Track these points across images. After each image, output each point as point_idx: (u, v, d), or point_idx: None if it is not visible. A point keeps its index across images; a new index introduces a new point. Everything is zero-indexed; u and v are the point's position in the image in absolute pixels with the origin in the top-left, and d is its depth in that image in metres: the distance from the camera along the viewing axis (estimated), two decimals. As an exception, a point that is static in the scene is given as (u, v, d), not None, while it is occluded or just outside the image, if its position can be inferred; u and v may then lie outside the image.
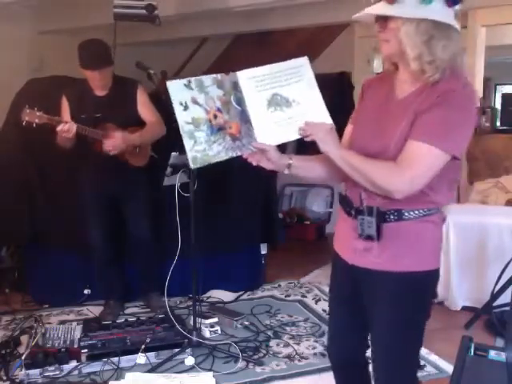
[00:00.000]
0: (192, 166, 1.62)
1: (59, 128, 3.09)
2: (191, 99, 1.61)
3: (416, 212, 1.59)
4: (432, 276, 1.67)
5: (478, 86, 5.07)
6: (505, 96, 5.84)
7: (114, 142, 3.22)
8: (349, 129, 1.78)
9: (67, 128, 3.09)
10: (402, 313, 1.64)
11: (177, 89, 1.61)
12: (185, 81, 1.62)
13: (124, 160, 3.37)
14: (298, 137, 1.64)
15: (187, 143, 1.60)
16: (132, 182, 3.49)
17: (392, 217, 1.59)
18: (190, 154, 1.61)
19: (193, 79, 1.63)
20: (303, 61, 1.68)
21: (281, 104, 1.64)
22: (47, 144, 3.38)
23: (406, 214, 1.59)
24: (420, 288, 1.65)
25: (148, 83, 3.45)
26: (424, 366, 2.95)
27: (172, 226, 3.14)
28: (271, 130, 1.63)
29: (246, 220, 4.08)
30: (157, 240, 3.67)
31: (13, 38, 5.04)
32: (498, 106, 5.64)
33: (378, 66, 6.25)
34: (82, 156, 3.41)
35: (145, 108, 3.42)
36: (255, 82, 1.64)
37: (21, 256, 4.09)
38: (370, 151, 1.59)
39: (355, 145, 1.67)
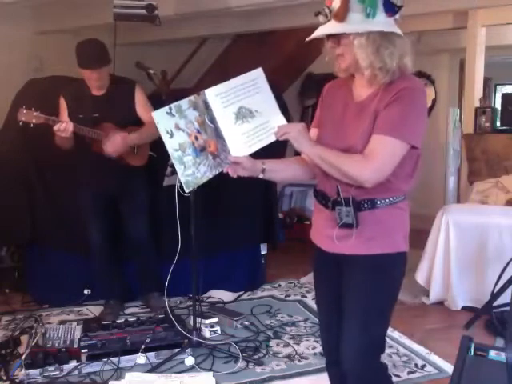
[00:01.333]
0: (186, 190, 1.76)
1: (56, 127, 3.09)
2: (175, 126, 1.71)
3: (386, 200, 1.76)
4: (401, 258, 1.83)
5: (478, 86, 5.07)
6: (505, 96, 5.81)
7: (114, 144, 3.22)
8: (313, 132, 1.91)
9: (63, 127, 3.09)
10: (374, 290, 1.78)
11: (161, 118, 1.71)
12: (167, 108, 1.72)
13: (122, 160, 3.37)
14: (270, 142, 1.77)
15: (178, 169, 1.72)
16: (131, 181, 3.49)
17: (366, 205, 1.75)
18: (182, 179, 1.73)
19: (173, 106, 1.72)
20: (258, 73, 1.80)
21: (246, 116, 1.76)
22: (47, 144, 3.38)
23: (378, 201, 1.75)
24: (390, 267, 1.80)
25: (148, 83, 3.45)
26: (427, 366, 2.96)
27: (172, 226, 3.14)
28: (241, 141, 1.75)
29: (246, 220, 4.08)
30: (156, 240, 3.67)
31: (13, 38, 5.04)
32: (498, 106, 5.62)
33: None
34: (81, 156, 3.40)
35: (143, 108, 3.42)
36: (221, 98, 1.73)
37: (21, 256, 4.10)
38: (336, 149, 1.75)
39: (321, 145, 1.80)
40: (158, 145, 3.49)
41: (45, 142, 3.42)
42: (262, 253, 4.28)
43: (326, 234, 1.85)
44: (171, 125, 1.71)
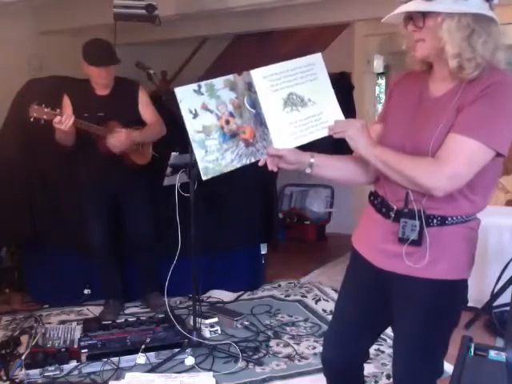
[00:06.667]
0: (203, 177, 1.53)
1: (56, 119, 3.05)
2: (201, 105, 1.52)
3: (458, 217, 1.53)
4: (465, 284, 1.62)
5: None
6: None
7: (119, 137, 3.24)
8: (376, 128, 1.71)
9: (63, 119, 3.05)
10: (432, 320, 1.59)
11: (185, 95, 1.51)
12: (194, 86, 1.52)
13: (127, 158, 3.38)
14: (321, 136, 1.57)
15: (198, 153, 1.51)
16: (133, 181, 3.50)
17: (435, 221, 1.53)
18: (200, 165, 1.52)
19: (203, 84, 1.52)
20: (317, 58, 1.60)
21: (296, 104, 1.56)
22: (48, 144, 3.38)
23: (449, 218, 1.53)
24: (453, 296, 1.60)
25: (148, 83, 3.46)
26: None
27: (172, 226, 3.14)
28: (287, 131, 1.55)
29: (246, 220, 4.08)
30: (157, 240, 3.67)
31: (13, 38, 5.04)
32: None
33: (378, 66, 6.26)
34: (85, 154, 3.41)
35: (146, 108, 3.46)
36: (270, 81, 1.54)
37: (21, 256, 4.09)
38: (405, 151, 1.53)
39: (386, 144, 1.58)
40: (159, 145, 3.54)
41: (45, 142, 3.42)
42: (262, 253, 4.27)
43: (378, 247, 1.63)
44: (197, 104, 1.51)
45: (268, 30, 5.66)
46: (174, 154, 3.25)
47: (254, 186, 4.05)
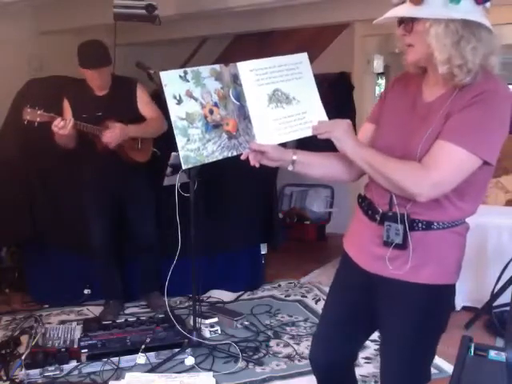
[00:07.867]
0: (183, 166, 1.51)
1: (55, 123, 3.06)
2: (186, 92, 1.51)
3: (445, 223, 1.52)
4: (452, 290, 1.62)
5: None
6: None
7: (113, 132, 3.22)
8: (368, 127, 1.70)
9: (62, 124, 3.07)
10: (419, 325, 1.58)
11: (171, 80, 1.50)
12: (180, 71, 1.51)
13: (125, 155, 3.38)
14: (304, 136, 1.56)
15: (180, 141, 1.49)
16: (133, 181, 3.50)
17: (420, 225, 1.52)
18: (181, 153, 1.50)
19: (189, 70, 1.52)
20: (303, 57, 1.61)
21: (281, 100, 1.55)
22: (48, 144, 3.38)
23: (435, 223, 1.51)
24: (439, 301, 1.59)
25: (148, 83, 3.46)
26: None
27: (172, 226, 3.14)
28: (271, 128, 1.53)
29: (246, 220, 4.08)
30: (157, 240, 3.67)
31: (13, 37, 5.04)
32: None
33: (378, 66, 6.26)
34: (85, 155, 3.41)
35: (145, 105, 3.45)
36: (257, 76, 1.53)
37: (21, 256, 4.10)
38: (394, 154, 1.51)
39: (378, 146, 1.57)
40: (160, 145, 3.53)
41: (46, 142, 3.42)
42: (262, 253, 4.28)
43: (366, 251, 1.63)
44: (182, 90, 1.50)
45: (268, 30, 5.66)
46: (174, 153, 3.25)
47: (254, 186, 4.05)
